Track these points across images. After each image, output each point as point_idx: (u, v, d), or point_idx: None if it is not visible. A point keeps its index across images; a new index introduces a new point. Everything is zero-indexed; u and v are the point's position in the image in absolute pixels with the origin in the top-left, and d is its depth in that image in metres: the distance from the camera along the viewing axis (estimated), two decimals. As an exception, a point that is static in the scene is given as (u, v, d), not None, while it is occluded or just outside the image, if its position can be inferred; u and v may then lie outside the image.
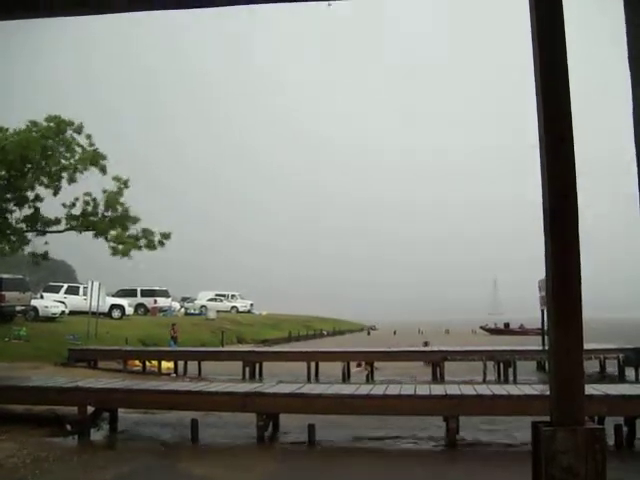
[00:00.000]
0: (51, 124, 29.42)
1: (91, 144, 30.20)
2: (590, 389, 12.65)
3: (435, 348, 31.12)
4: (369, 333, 77.21)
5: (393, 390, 14.97)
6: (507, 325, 79.09)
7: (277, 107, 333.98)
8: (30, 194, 29.96)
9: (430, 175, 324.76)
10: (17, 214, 30.03)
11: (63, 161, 29.68)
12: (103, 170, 30.25)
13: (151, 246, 31.50)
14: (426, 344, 36.24)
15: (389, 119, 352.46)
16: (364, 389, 15.91)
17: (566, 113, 4.00)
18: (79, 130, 29.97)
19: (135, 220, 31.20)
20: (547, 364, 28.86)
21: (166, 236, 31.97)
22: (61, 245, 35.32)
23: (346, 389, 16.39)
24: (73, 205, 30.82)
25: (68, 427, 14.91)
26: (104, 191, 30.88)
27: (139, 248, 31.23)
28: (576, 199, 3.96)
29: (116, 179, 31.07)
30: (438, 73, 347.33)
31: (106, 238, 30.76)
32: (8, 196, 29.29)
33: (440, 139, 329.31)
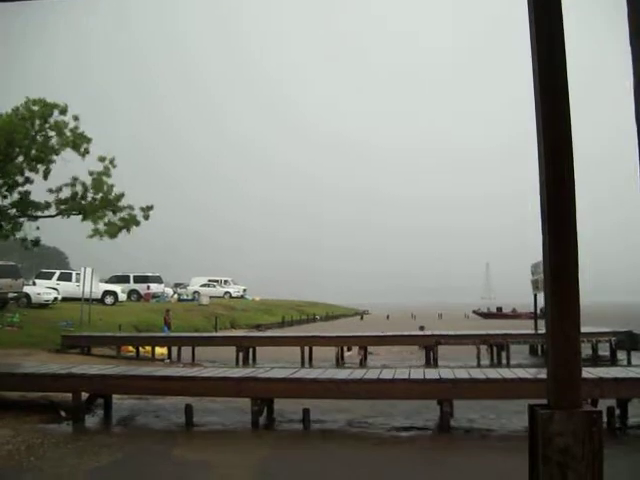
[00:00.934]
0: (35, 107, 29.22)
1: (77, 127, 30.01)
2: (583, 372, 12.72)
3: (428, 332, 31.20)
4: (362, 318, 77.46)
5: (387, 374, 15.00)
6: (500, 309, 79.63)
7: (279, 101, 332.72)
8: (20, 178, 29.82)
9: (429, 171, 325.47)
10: (8, 199, 29.94)
11: (50, 143, 29.50)
12: (86, 151, 30.06)
13: (134, 222, 31.37)
14: (422, 328, 36.39)
15: (391, 117, 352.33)
16: (358, 373, 15.94)
17: (564, 103, 3.98)
18: (64, 111, 29.76)
19: (119, 197, 31.07)
20: (540, 347, 29.06)
21: (149, 208, 31.84)
22: (53, 231, 35.26)
23: (340, 374, 16.40)
24: (60, 190, 30.67)
25: (62, 413, 14.89)
26: (90, 173, 30.75)
27: (126, 228, 31.10)
28: (573, 184, 3.95)
29: (101, 159, 30.90)
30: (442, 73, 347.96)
31: (94, 222, 30.62)
32: None
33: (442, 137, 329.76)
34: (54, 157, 29.81)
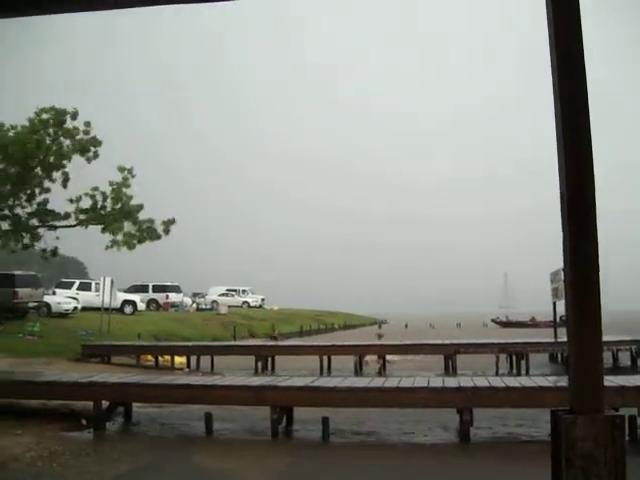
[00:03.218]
0: (45, 116, 29.29)
1: (87, 131, 30.00)
2: (604, 380, 12.63)
3: (447, 341, 31.09)
4: (380, 327, 77.26)
5: (406, 383, 14.98)
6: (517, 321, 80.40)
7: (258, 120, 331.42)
8: (38, 189, 29.96)
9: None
10: (28, 209, 30.10)
11: (63, 150, 29.54)
12: (96, 155, 30.01)
13: (154, 236, 31.34)
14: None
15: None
16: (378, 382, 15.94)
17: (583, 100, 4.00)
18: (75, 116, 29.80)
19: (139, 208, 31.08)
20: (560, 355, 28.91)
21: (170, 222, 31.81)
22: (72, 242, 35.40)
23: (360, 382, 16.41)
24: (80, 199, 30.77)
25: (83, 421, 15.01)
26: (110, 183, 30.81)
27: (144, 240, 31.09)
28: (594, 188, 3.96)
29: (121, 169, 30.94)
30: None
31: (113, 233, 30.66)
32: (17, 192, 29.31)
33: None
34: (67, 163, 29.84)
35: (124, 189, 30.91)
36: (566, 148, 4.00)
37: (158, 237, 31.49)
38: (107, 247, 30.94)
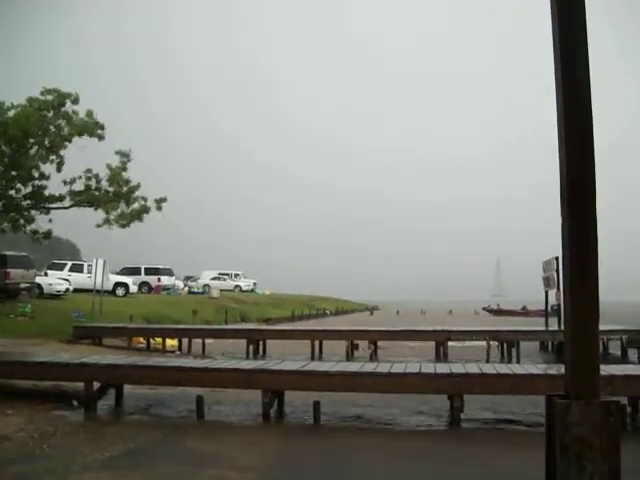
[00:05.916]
0: (48, 97, 29.17)
1: (88, 114, 29.91)
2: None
3: (439, 327, 31.16)
4: (372, 313, 77.57)
5: (398, 368, 14.99)
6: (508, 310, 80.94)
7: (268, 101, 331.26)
8: (35, 173, 29.86)
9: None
10: (22, 191, 30.00)
11: (62, 133, 29.44)
12: (101, 137, 29.96)
13: (145, 210, 31.34)
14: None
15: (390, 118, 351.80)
16: (369, 367, 15.96)
17: (585, 86, 3.97)
18: (76, 101, 29.71)
19: (134, 189, 31.08)
20: (551, 344, 29.03)
21: (162, 200, 31.82)
22: (65, 223, 35.32)
23: (351, 367, 16.41)
24: (73, 181, 30.67)
25: (74, 402, 14.98)
26: (108, 167, 30.74)
27: (137, 217, 31.07)
28: (594, 173, 3.95)
29: (119, 153, 30.86)
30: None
31: (107, 212, 30.63)
32: (13, 173, 29.18)
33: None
34: (67, 144, 29.80)
35: (123, 173, 30.91)
36: (567, 132, 3.99)
37: (147, 211, 31.49)
38: (98, 225, 30.91)
